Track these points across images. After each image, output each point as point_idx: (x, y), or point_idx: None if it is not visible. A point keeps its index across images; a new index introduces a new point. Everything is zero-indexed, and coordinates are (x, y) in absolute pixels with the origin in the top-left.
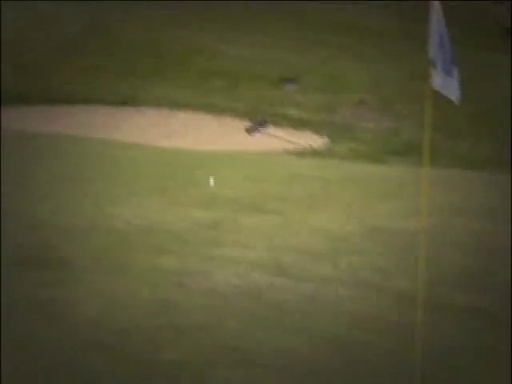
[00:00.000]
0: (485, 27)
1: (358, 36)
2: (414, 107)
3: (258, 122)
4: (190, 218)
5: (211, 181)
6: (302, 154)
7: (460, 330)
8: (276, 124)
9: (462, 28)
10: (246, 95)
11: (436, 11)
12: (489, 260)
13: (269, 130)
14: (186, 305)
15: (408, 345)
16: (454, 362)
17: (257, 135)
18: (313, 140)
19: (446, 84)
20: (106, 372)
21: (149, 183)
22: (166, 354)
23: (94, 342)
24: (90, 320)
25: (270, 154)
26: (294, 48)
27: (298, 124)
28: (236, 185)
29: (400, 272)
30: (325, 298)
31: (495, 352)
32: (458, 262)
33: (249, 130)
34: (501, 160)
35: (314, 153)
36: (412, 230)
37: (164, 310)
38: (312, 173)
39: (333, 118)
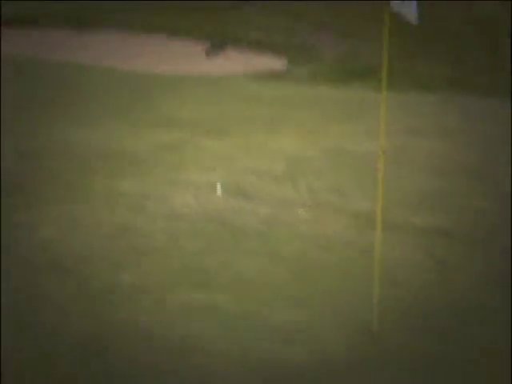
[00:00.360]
0: None
1: None
2: (373, 31)
3: (217, 45)
4: (149, 141)
5: (218, 187)
6: (262, 76)
7: (418, 250)
8: (235, 46)
9: None
10: (206, 17)
11: None
12: (448, 181)
13: (228, 52)
14: (146, 228)
15: (366, 265)
16: (412, 282)
17: (216, 58)
18: (272, 62)
19: (404, 5)
20: (65, 295)
21: (108, 106)
22: (125, 278)
23: (53, 265)
24: (47, 244)
25: (230, 77)
26: None
27: (258, 46)
28: (196, 107)
29: (359, 193)
30: (284, 220)
31: (453, 270)
32: (417, 183)
33: (208, 53)
34: (459, 81)
35: (274, 75)
36: (371, 152)
37: (123, 234)
38: (271, 95)
39: (292, 41)
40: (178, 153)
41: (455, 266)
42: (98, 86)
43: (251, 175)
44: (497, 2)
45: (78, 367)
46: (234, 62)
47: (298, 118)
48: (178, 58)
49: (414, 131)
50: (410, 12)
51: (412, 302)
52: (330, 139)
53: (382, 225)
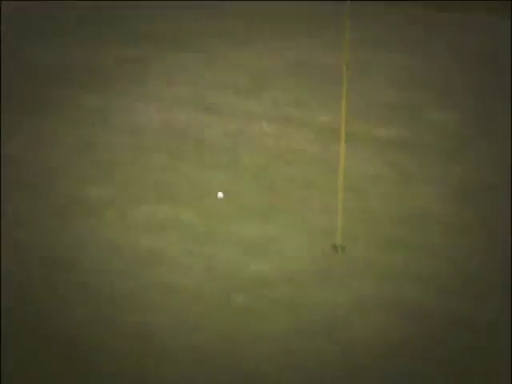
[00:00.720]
0: None
1: None
2: None
3: None
4: (113, 55)
5: (219, 194)
6: None
7: (381, 162)
8: None
9: None
10: None
11: None
12: (411, 94)
13: None
14: (110, 142)
15: (331, 177)
16: (376, 194)
17: None
18: None
19: None
20: (31, 210)
21: (72, 23)
22: (91, 191)
23: (18, 180)
24: (11, 159)
25: None
26: None
27: None
28: (159, 20)
29: (323, 107)
30: (249, 134)
31: (416, 181)
32: (380, 96)
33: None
34: None
35: None
36: (335, 66)
37: (88, 148)
38: (234, 8)
39: None
40: (142, 67)
41: (418, 177)
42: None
43: (215, 89)
44: None
45: (50, 278)
46: None
47: (261, 31)
48: None
49: (378, 44)
50: None
51: (375, 214)
52: (293, 51)
53: (345, 137)
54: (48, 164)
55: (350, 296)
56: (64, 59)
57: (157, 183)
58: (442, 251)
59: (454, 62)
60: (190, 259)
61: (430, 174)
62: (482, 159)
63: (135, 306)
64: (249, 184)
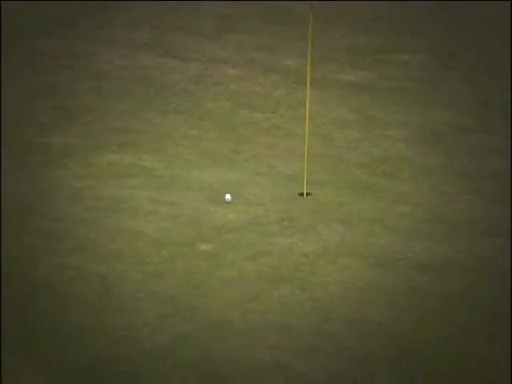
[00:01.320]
0: None
1: None
2: None
3: None
4: (77, 2)
5: (227, 197)
6: None
7: (346, 106)
8: None
9: None
10: None
11: None
12: (376, 36)
13: None
14: (73, 88)
15: (297, 122)
16: (341, 138)
17: None
18: None
19: None
20: None
21: None
22: (55, 139)
23: None
24: None
25: None
26: None
27: None
28: None
29: (288, 50)
30: (213, 78)
31: (381, 125)
32: (345, 40)
33: None
34: None
35: None
36: (301, 10)
37: (51, 93)
38: None
39: None
40: (105, 10)
41: (385, 121)
42: None
43: (178, 32)
44: None
45: (13, 228)
46: None
47: None
48: None
49: None
50: None
51: (341, 158)
52: None
53: (311, 82)
54: (7, 110)
55: (317, 242)
56: (29, 6)
57: (119, 130)
58: (412, 196)
59: (422, 3)
60: (153, 206)
61: (397, 117)
62: (453, 102)
63: (99, 253)
64: (212, 128)
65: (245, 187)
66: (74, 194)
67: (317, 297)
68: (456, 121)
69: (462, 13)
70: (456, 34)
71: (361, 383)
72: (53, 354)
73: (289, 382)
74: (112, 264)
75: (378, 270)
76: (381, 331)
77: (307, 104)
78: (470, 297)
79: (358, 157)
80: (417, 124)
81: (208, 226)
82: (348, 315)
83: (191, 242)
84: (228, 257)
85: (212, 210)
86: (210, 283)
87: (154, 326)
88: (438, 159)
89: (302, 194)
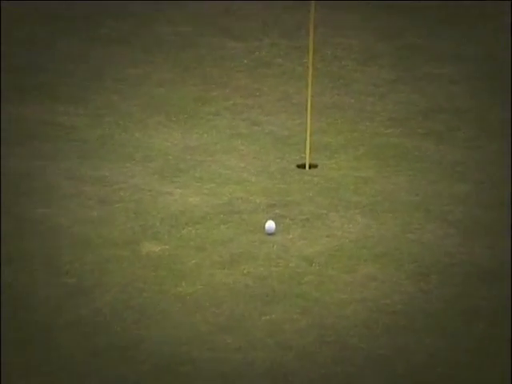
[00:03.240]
0: None
1: None
2: None
3: None
4: None
5: (270, 226)
6: None
7: (372, 26)
8: None
9: None
10: None
11: None
12: None
13: None
14: None
15: (298, 56)
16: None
17: None
18: None
19: None
20: None
21: None
22: None
23: None
24: None
25: None
26: None
27: None
28: None
29: None
30: None
31: (424, 59)
32: None
33: None
34: None
35: None
36: None
37: None
38: None
39: None
40: None
41: (429, 52)
42: None
43: None
44: None
45: None
46: None
47: None
48: None
49: None
50: None
51: (363, 111)
52: None
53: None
54: None
55: (326, 240)
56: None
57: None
58: (471, 169)
59: None
60: (74, 185)
61: (450, 48)
62: None
63: None
64: (165, 64)
65: (216, 156)
66: None
67: (326, 324)
68: None
69: None
70: None
71: None
72: None
73: None
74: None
75: (421, 282)
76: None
77: (311, 26)
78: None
79: (388, 108)
80: (481, 57)
81: (158, 215)
82: (374, 353)
83: (132, 239)
84: (189, 263)
85: (164, 192)
86: (160, 304)
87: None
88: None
89: (302, 167)
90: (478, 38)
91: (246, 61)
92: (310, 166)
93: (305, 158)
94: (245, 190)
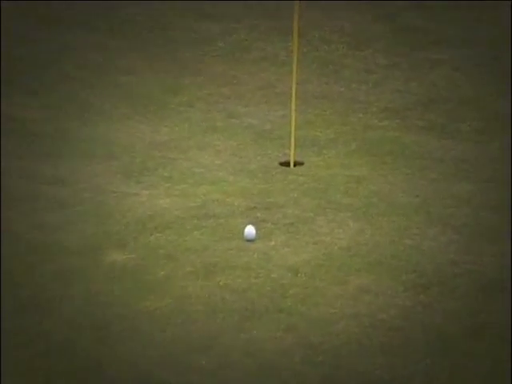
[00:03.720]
0: None
1: None
2: None
3: None
4: None
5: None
6: None
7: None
8: None
9: None
10: None
11: None
12: None
13: None
14: None
15: (280, 33)
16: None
17: None
18: None
19: None
20: None
21: None
22: None
23: None
24: None
25: None
26: None
27: None
28: None
29: None
30: None
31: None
32: None
33: None
34: None
35: None
36: None
37: None
38: None
39: None
40: None
41: (431, 34)
42: None
43: None
44: None
45: None
46: None
47: None
48: None
49: None
50: None
51: (356, 100)
52: None
53: None
54: None
55: (314, 247)
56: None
57: None
58: (480, 167)
59: None
60: (23, 186)
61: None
62: None
63: None
64: (127, 47)
65: (188, 153)
66: None
67: (313, 343)
68: None
69: None
70: None
71: None
72: None
73: None
74: None
75: (420, 294)
76: None
77: (296, 5)
78: None
79: (383, 98)
80: (488, 41)
81: (123, 219)
82: (369, 375)
83: (94, 247)
84: (158, 273)
85: (130, 193)
86: (126, 320)
87: None
88: None
89: (286, 164)
90: (484, 19)
91: (222, 44)
92: (295, 164)
93: (289, 154)
94: (221, 190)
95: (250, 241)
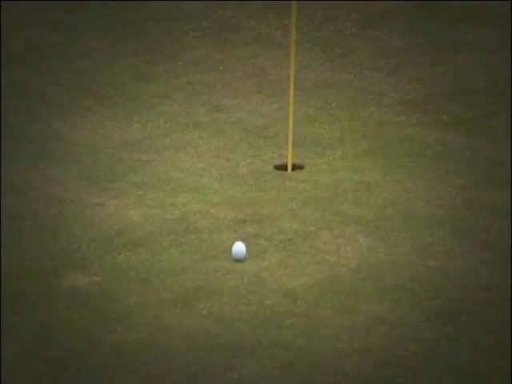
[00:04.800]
0: None
1: None
2: None
3: None
4: None
5: (238, 249)
6: None
7: None
8: None
9: None
10: None
11: None
12: None
13: None
14: None
15: (278, 16)
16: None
17: None
18: None
19: None
20: None
21: None
22: None
23: None
24: None
25: None
26: None
27: None
28: None
29: None
30: None
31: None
32: None
33: None
34: None
35: None
36: None
37: None
38: None
39: None
40: None
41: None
42: None
43: None
44: None
45: None
46: None
47: None
48: None
49: None
50: None
51: (365, 91)
52: None
53: None
54: None
55: (316, 268)
56: None
57: None
58: None
59: None
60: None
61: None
62: None
63: None
64: (106, 37)
65: (164, 154)
66: None
67: None
68: None
69: None
70: None
71: None
72: None
73: None
74: None
75: (446, 325)
76: None
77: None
78: None
79: (400, 88)
80: None
81: (85, 235)
82: None
83: (49, 269)
84: (127, 300)
85: (94, 203)
86: (88, 357)
87: None
88: None
89: (283, 168)
90: None
91: (205, 23)
92: (294, 168)
93: (286, 156)
94: (204, 200)
95: (239, 260)
